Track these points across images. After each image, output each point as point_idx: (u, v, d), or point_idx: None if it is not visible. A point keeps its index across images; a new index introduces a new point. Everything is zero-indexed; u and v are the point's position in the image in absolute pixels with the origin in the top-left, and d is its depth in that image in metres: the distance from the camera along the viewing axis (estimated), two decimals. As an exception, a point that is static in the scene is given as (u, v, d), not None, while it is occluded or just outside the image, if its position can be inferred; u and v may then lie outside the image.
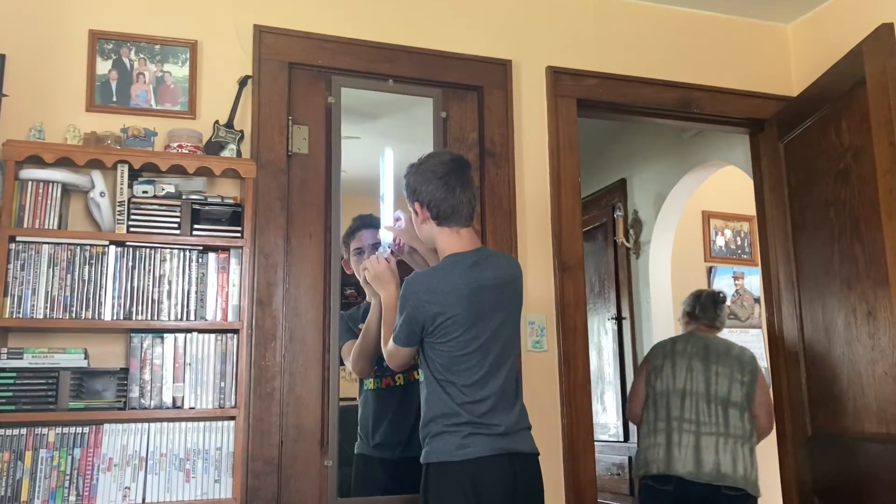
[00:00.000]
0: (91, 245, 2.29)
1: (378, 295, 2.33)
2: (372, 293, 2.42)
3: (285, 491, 2.46)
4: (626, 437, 4.52)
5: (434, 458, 2.07)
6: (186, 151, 2.44)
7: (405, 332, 2.10)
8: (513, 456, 2.07)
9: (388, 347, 2.18)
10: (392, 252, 2.37)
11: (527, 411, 2.18)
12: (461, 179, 2.17)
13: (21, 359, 2.18)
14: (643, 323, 4.53)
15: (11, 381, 2.15)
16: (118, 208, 2.33)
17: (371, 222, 2.61)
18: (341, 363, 2.58)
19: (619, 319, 4.69)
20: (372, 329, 2.44)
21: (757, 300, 4.63)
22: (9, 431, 2.14)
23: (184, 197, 2.41)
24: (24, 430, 2.15)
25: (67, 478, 2.16)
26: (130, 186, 2.37)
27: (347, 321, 2.60)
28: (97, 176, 2.34)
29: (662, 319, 4.45)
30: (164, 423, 2.27)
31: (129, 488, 2.20)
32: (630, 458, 4.47)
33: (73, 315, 2.24)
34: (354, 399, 2.68)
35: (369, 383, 2.63)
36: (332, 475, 2.50)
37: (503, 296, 2.15)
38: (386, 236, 2.44)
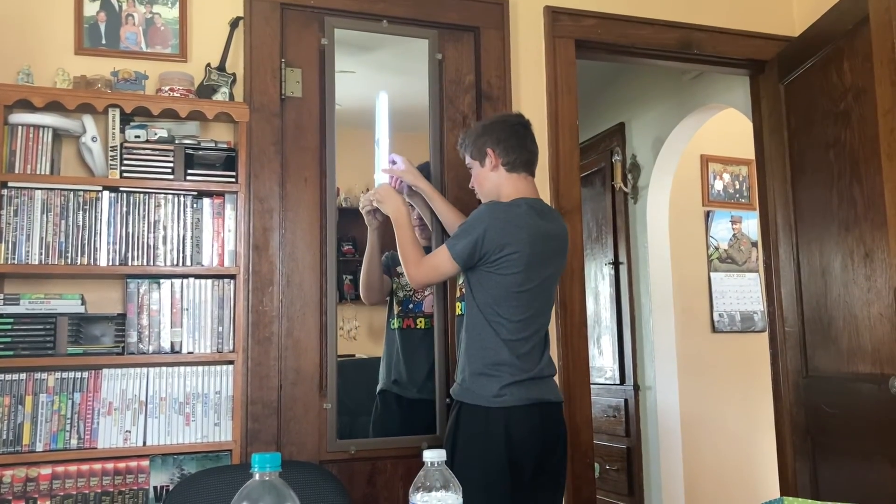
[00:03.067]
0: (84, 191, 2.27)
1: (377, 221, 2.46)
2: (370, 221, 2.51)
3: (285, 433, 2.49)
4: (623, 380, 4.57)
5: (469, 400, 2.11)
6: (178, 95, 2.40)
7: (468, 250, 2.10)
8: (543, 405, 2.12)
9: (435, 257, 2.19)
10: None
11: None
12: (528, 132, 2.29)
13: (18, 304, 2.18)
14: (640, 268, 4.54)
15: (9, 326, 2.16)
16: (110, 153, 2.30)
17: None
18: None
19: (616, 264, 4.69)
20: (373, 255, 2.54)
21: (754, 244, 4.63)
22: (8, 376, 2.15)
23: (177, 142, 2.39)
24: (23, 376, 2.16)
25: (68, 421, 2.18)
26: (122, 131, 2.34)
27: (388, 261, 2.68)
28: (88, 120, 2.31)
29: (660, 264, 4.45)
30: (163, 368, 2.28)
31: (129, 432, 2.23)
32: (626, 400, 4.53)
33: (69, 261, 2.23)
34: (352, 355, 2.73)
35: (393, 322, 2.69)
36: (331, 417, 2.53)
37: (556, 249, 2.22)
38: (383, 178, 2.44)
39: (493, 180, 2.25)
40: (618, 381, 4.61)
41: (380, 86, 2.76)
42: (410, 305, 2.63)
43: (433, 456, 1.05)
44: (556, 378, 2.77)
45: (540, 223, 2.15)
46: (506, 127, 2.25)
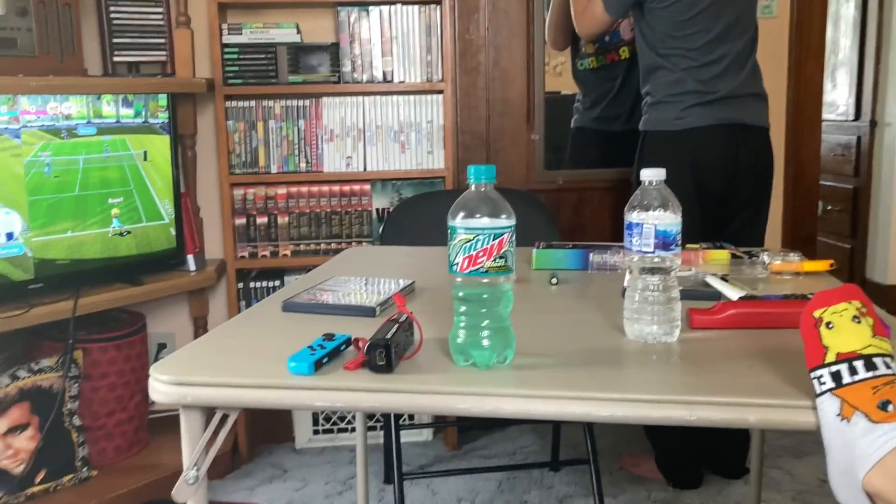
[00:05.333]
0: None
1: None
2: None
3: (494, 162, 2.53)
4: (858, 116, 4.14)
5: (651, 127, 2.03)
6: None
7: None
8: (736, 127, 1.98)
9: (589, 7, 2.04)
10: None
11: (761, 75, 2.03)
12: None
13: (241, 34, 2.28)
14: (895, -14, 3.89)
15: (235, 55, 2.28)
16: None
17: None
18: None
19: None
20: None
21: None
22: (240, 104, 2.31)
23: None
24: (252, 103, 2.32)
25: (296, 146, 2.35)
26: None
27: None
28: None
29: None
30: (377, 97, 2.35)
31: (350, 157, 2.36)
32: (859, 137, 4.14)
33: (282, -11, 2.27)
34: (558, 92, 2.63)
35: (590, 62, 2.56)
36: (538, 148, 2.53)
37: None
38: None
39: None
40: (851, 118, 4.18)
41: None
42: (606, 38, 2.44)
43: (651, 175, 1.01)
44: (782, 109, 2.57)
45: None
46: None
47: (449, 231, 0.92)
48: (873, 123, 4.11)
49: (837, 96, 4.34)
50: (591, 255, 1.41)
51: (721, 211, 2.03)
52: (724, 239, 1.72)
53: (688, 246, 1.46)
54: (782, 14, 2.54)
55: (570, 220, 2.60)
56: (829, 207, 4.34)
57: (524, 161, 2.55)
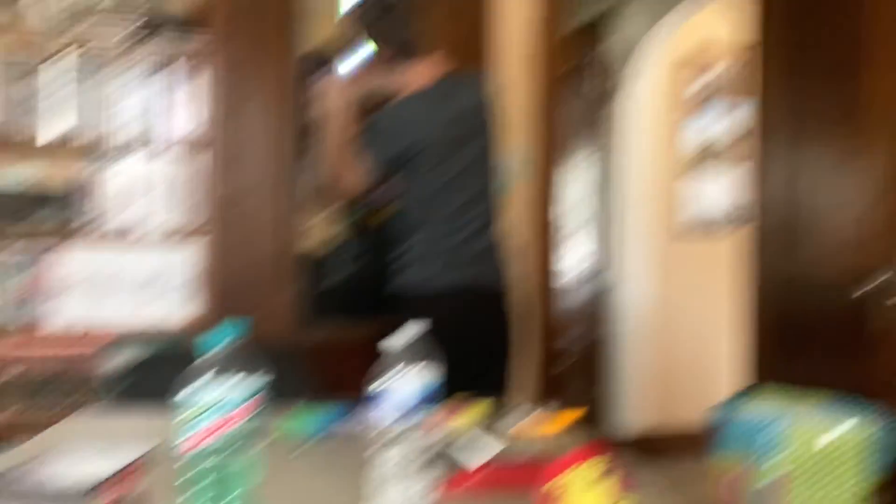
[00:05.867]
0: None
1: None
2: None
3: (253, 314, 2.38)
4: (593, 275, 4.59)
5: (402, 289, 2.06)
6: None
7: (377, 165, 2.03)
8: (479, 288, 2.06)
9: (351, 172, 2.09)
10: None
11: (500, 245, 2.15)
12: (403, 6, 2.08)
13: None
14: (619, 160, 4.47)
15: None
16: (61, 16, 2.15)
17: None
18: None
19: (595, 155, 4.62)
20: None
21: (741, 137, 4.57)
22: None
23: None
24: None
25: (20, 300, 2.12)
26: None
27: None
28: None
29: (640, 157, 4.40)
30: (120, 246, 2.21)
31: (85, 312, 2.17)
32: (595, 294, 4.55)
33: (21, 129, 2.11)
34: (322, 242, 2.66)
35: (352, 217, 2.61)
36: (300, 299, 2.49)
37: (470, 127, 2.08)
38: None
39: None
40: (588, 276, 4.63)
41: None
42: (360, 202, 2.51)
43: (394, 341, 1.01)
44: (526, 267, 2.76)
45: (442, 107, 2.03)
46: (377, 9, 2.05)
47: (177, 403, 0.83)
48: (606, 282, 4.55)
49: (576, 255, 4.79)
50: (342, 418, 1.37)
51: (475, 367, 2.07)
52: (477, 393, 1.75)
53: (439, 404, 1.46)
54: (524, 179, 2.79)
55: (333, 375, 2.54)
56: (574, 360, 4.67)
57: (286, 312, 2.49)
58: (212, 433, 0.80)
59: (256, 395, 0.84)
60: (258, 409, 0.84)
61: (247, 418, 0.83)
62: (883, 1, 2.41)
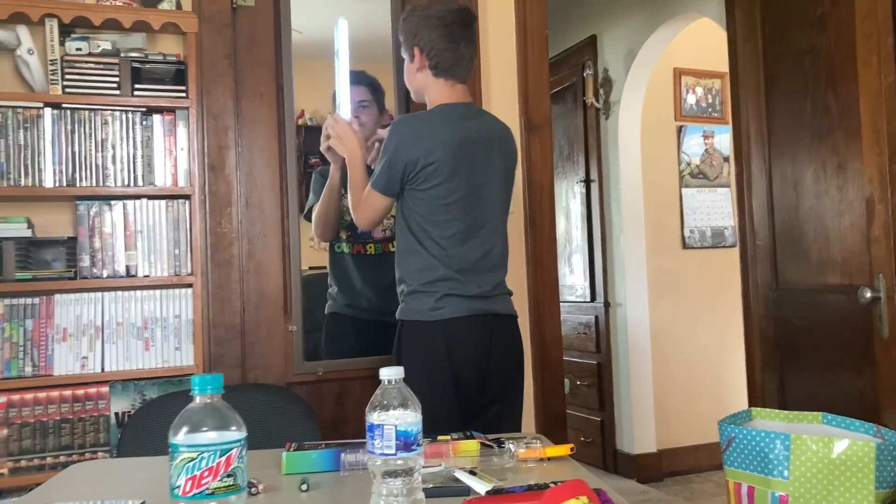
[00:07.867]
0: (24, 108, 2.14)
1: (340, 158, 2.25)
2: (333, 159, 2.32)
3: (250, 356, 2.44)
4: (593, 298, 4.57)
5: (408, 317, 2.04)
6: (121, 4, 2.25)
7: (384, 178, 2.02)
8: (488, 317, 2.04)
9: (365, 195, 2.09)
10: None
11: (505, 278, 2.14)
12: (466, 32, 2.10)
13: (-41, 229, 2.08)
14: (612, 185, 4.48)
15: (-49, 252, 2.06)
16: (50, 67, 2.16)
17: (356, 79, 2.49)
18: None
19: (587, 182, 4.63)
20: (333, 194, 2.38)
21: (726, 159, 4.59)
22: (-45, 304, 2.06)
23: (122, 55, 2.25)
24: (-30, 303, 2.08)
25: (21, 348, 2.11)
26: (62, 44, 2.20)
27: (321, 179, 2.50)
28: (23, 32, 2.16)
29: (631, 181, 4.40)
30: (119, 292, 2.21)
31: (86, 357, 2.16)
32: (597, 317, 4.54)
33: (11, 182, 2.11)
34: (323, 268, 2.64)
35: (341, 246, 2.59)
36: (297, 340, 2.48)
37: (491, 152, 2.09)
38: (345, 110, 2.33)
39: (419, 81, 2.11)
40: (588, 299, 4.61)
41: (339, 12, 2.60)
42: (359, 230, 2.51)
43: (390, 374, 1.00)
44: (525, 297, 2.76)
45: (461, 126, 2.03)
46: (440, 26, 2.05)
47: (170, 450, 0.83)
48: (607, 304, 4.53)
49: (575, 280, 4.77)
50: (343, 455, 1.36)
51: (477, 399, 2.05)
52: (480, 428, 1.73)
53: (438, 438, 1.45)
54: (518, 209, 2.79)
55: (332, 412, 2.53)
56: (578, 382, 4.64)
57: (282, 353, 2.48)
58: (210, 475, 0.80)
59: (237, 447, 0.84)
60: (241, 460, 0.83)
61: (240, 460, 0.83)
62: (845, 22, 2.45)
